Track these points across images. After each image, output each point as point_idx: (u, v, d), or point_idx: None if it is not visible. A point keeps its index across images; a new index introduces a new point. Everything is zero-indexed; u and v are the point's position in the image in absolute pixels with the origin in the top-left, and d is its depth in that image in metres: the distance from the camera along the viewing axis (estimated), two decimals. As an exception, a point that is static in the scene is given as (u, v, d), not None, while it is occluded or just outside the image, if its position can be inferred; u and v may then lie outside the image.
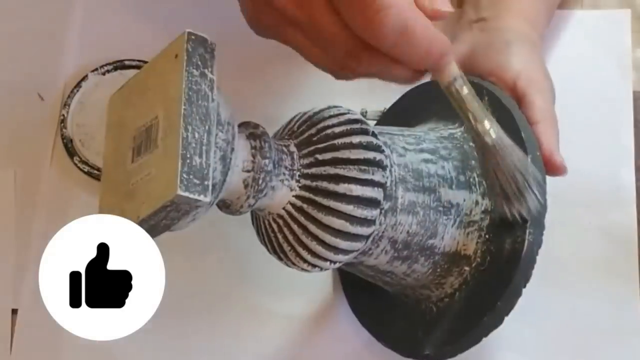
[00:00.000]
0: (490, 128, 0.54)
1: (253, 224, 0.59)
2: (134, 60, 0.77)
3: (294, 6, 0.51)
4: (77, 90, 0.76)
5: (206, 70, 0.52)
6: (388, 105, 0.70)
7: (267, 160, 0.54)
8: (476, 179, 0.61)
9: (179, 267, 0.72)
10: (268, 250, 0.59)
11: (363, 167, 0.55)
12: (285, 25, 0.52)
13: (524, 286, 0.58)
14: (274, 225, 0.57)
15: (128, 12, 0.79)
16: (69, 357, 0.71)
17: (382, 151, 0.57)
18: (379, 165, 0.56)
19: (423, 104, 0.66)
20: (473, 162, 0.61)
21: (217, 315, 0.71)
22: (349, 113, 0.57)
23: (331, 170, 0.55)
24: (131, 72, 0.76)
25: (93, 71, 0.77)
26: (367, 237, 0.57)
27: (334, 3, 0.50)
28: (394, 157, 0.58)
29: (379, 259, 0.59)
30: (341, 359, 0.69)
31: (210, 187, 0.50)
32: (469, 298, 0.60)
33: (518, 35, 0.65)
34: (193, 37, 0.52)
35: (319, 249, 0.56)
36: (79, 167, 0.74)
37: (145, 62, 0.76)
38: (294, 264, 0.58)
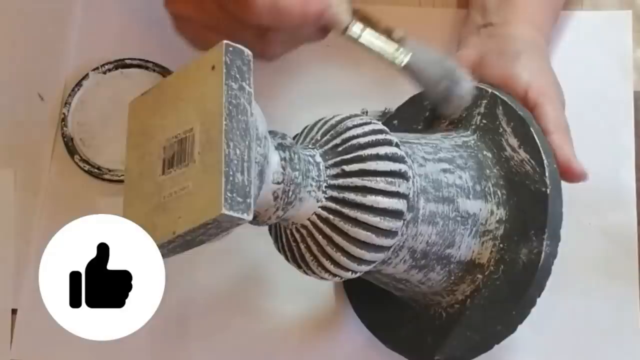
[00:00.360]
0: (398, 54, 0.56)
1: (271, 232, 0.59)
2: (134, 59, 0.77)
3: (193, 11, 0.57)
4: (78, 89, 0.76)
5: (244, 83, 0.51)
6: (388, 106, 0.70)
7: (297, 173, 0.54)
8: (491, 188, 0.61)
9: (181, 267, 0.72)
10: (287, 258, 0.58)
11: (390, 180, 0.55)
12: (201, 30, 0.58)
13: (539, 296, 0.59)
14: (297, 235, 0.57)
15: (128, 11, 0.79)
16: (69, 357, 0.71)
17: (405, 162, 0.56)
18: (403, 177, 0.56)
19: (432, 109, 0.66)
20: (487, 171, 0.61)
21: (218, 316, 0.71)
22: (372, 123, 0.57)
23: (358, 182, 0.55)
24: (132, 71, 0.77)
25: (94, 70, 0.77)
26: (390, 247, 0.57)
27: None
28: (415, 167, 0.58)
29: (397, 267, 0.59)
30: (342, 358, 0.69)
31: (252, 205, 0.49)
32: (481, 306, 0.61)
33: (527, 44, 0.66)
34: (231, 48, 0.51)
35: (343, 259, 0.56)
36: (79, 166, 0.74)
37: (147, 61, 0.77)
38: (314, 273, 0.57)
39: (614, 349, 0.66)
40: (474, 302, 0.61)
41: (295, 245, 0.57)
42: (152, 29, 0.77)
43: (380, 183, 0.55)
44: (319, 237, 0.56)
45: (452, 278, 0.61)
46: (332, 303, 0.70)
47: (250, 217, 0.49)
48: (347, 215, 0.55)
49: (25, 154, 0.76)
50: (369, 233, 0.55)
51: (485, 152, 0.62)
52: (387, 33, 0.59)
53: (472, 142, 0.63)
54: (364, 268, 0.57)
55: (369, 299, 0.68)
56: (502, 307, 0.59)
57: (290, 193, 0.54)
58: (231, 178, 0.49)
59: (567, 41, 0.74)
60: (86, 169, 0.74)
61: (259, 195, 0.52)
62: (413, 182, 0.57)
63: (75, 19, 0.78)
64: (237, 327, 0.70)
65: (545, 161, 0.59)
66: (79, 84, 0.76)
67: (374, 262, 0.57)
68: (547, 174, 0.59)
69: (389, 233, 0.55)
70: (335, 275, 0.57)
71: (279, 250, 0.58)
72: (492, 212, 0.60)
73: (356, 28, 0.55)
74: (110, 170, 0.74)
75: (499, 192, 0.61)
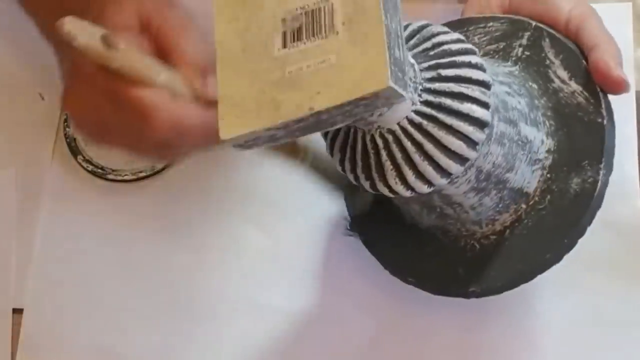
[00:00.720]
0: (303, 157, 0.56)
1: (331, 139, 0.56)
2: (135, 58, 0.77)
3: (91, 113, 0.56)
4: (80, 89, 0.76)
5: None
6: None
7: (406, 67, 0.50)
8: (541, 118, 0.60)
9: (180, 265, 0.72)
10: (352, 168, 0.55)
11: (483, 89, 0.54)
12: (99, 130, 0.57)
13: (589, 225, 0.59)
14: (379, 141, 0.53)
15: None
16: (73, 356, 0.71)
17: (485, 70, 0.55)
18: (489, 88, 0.54)
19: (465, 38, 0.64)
20: (536, 101, 0.61)
21: (219, 312, 0.71)
22: (453, 32, 0.56)
23: (455, 87, 0.53)
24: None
25: (96, 70, 0.77)
26: (468, 162, 0.54)
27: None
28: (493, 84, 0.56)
29: (459, 188, 0.57)
30: (345, 355, 0.69)
31: (408, 84, 0.47)
32: (524, 236, 0.60)
33: None
34: None
35: (428, 169, 0.53)
36: (82, 166, 0.74)
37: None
38: (386, 185, 0.54)
39: (619, 342, 0.66)
40: (514, 233, 0.60)
41: (375, 152, 0.54)
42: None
43: (476, 91, 0.53)
44: (408, 144, 0.53)
45: (500, 206, 0.60)
46: (335, 296, 0.70)
47: (408, 95, 0.47)
48: (442, 121, 0.52)
49: (26, 154, 0.76)
50: (461, 142, 0.53)
51: (530, 83, 0.61)
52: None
53: (517, 72, 0.62)
54: (443, 182, 0.54)
55: (382, 235, 0.65)
56: (551, 235, 0.58)
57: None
58: (392, 51, 0.46)
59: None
60: (89, 169, 0.74)
61: None
62: (491, 96, 0.55)
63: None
64: (239, 323, 0.70)
65: (600, 93, 0.59)
66: (80, 84, 0.76)
67: (454, 176, 0.54)
68: (603, 105, 0.59)
69: (475, 145, 0.54)
70: (411, 188, 0.54)
71: (343, 160, 0.55)
72: (542, 142, 0.59)
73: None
74: (113, 170, 0.74)
75: (547, 123, 0.60)
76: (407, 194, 0.54)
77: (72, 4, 0.57)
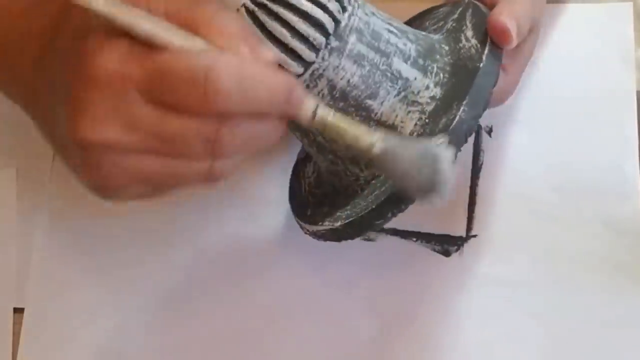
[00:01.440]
0: (374, 139, 0.52)
1: None
2: (136, 58, 0.77)
3: (122, 134, 0.46)
4: (82, 89, 0.76)
5: None
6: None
7: None
8: (435, 69, 0.62)
9: (181, 264, 0.72)
10: None
11: None
12: (136, 159, 0.47)
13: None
14: None
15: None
16: (75, 355, 0.71)
17: None
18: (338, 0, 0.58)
19: (419, 26, 0.68)
20: (437, 56, 0.62)
21: (220, 312, 0.71)
22: None
23: None
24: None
25: (96, 69, 0.76)
26: (307, 63, 0.57)
27: (158, 104, 0.46)
28: (359, 11, 0.59)
29: None
30: (345, 354, 0.69)
31: None
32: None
33: None
34: None
35: None
36: (82, 166, 0.74)
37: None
38: None
39: (620, 343, 0.66)
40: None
41: None
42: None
43: None
44: None
45: None
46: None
47: None
48: (269, 8, 0.56)
49: (27, 154, 0.76)
50: (283, 30, 0.56)
51: (443, 45, 0.64)
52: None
53: (436, 38, 0.65)
54: None
55: (303, 195, 0.69)
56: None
57: None
58: None
59: (568, 35, 0.74)
60: (90, 168, 0.74)
61: None
62: (350, 16, 0.58)
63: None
64: (242, 322, 0.70)
65: (488, 42, 0.61)
66: (82, 84, 0.76)
67: (286, 71, 0.57)
68: (485, 52, 0.60)
69: (305, 41, 0.57)
70: None
71: None
72: (427, 87, 0.61)
73: (324, 110, 0.51)
74: (113, 170, 0.74)
75: (441, 75, 0.62)
76: None
77: None
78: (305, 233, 0.66)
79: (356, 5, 0.59)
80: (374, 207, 0.60)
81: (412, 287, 0.69)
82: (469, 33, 0.63)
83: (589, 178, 0.69)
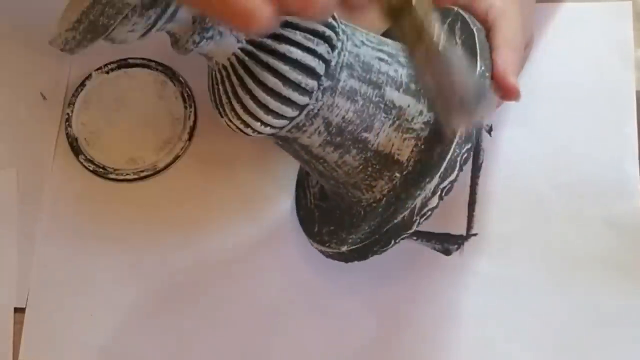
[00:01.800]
0: (440, 35, 0.51)
1: (208, 81, 0.61)
2: (137, 58, 0.77)
3: None
4: (82, 89, 0.77)
5: None
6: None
7: None
8: None
9: (182, 263, 0.72)
10: (213, 105, 0.60)
11: (309, 36, 0.57)
12: None
13: (440, 196, 0.59)
14: (218, 76, 0.59)
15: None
16: (77, 355, 0.71)
17: (335, 32, 0.58)
18: (326, 40, 0.57)
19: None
20: None
21: (221, 311, 0.71)
22: None
23: (278, 30, 0.57)
24: (135, 71, 0.77)
25: (97, 70, 0.77)
26: (301, 107, 0.58)
27: None
28: (348, 44, 0.59)
29: (312, 139, 0.60)
30: (346, 353, 0.69)
31: None
32: (392, 204, 0.61)
33: None
34: None
35: (250, 104, 0.57)
36: (84, 166, 0.75)
37: (149, 60, 0.77)
38: (229, 119, 0.59)
39: (620, 342, 0.66)
40: (388, 201, 0.61)
41: (217, 87, 0.59)
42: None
43: (297, 35, 0.57)
44: (234, 79, 0.57)
45: (370, 169, 0.61)
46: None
47: (136, 1, 0.51)
48: (260, 58, 0.57)
49: (27, 154, 0.76)
50: (276, 80, 0.56)
51: None
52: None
53: None
54: (272, 121, 0.58)
55: (309, 207, 0.70)
56: (405, 201, 0.59)
57: (208, 20, 0.55)
58: None
59: (567, 33, 0.74)
60: (91, 168, 0.74)
61: (170, 8, 0.53)
62: (339, 53, 0.58)
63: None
64: (243, 321, 0.70)
65: (478, 69, 0.60)
66: (82, 85, 0.77)
67: (282, 116, 0.58)
68: (474, 80, 0.59)
69: (298, 87, 0.57)
70: (246, 124, 0.59)
71: (209, 97, 0.60)
72: (421, 112, 0.61)
73: None
74: (115, 170, 0.74)
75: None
76: (248, 130, 0.59)
77: None
78: (314, 246, 0.67)
79: (345, 38, 0.59)
80: (377, 236, 0.60)
81: (412, 285, 0.69)
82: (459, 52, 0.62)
83: (589, 176, 0.69)
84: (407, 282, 0.69)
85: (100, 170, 0.74)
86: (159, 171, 0.74)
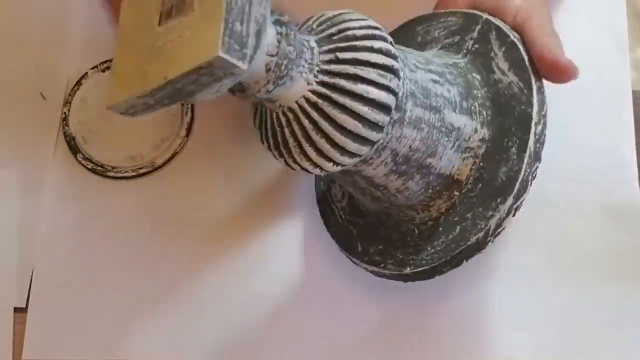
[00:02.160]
0: None
1: (255, 118, 0.59)
2: (134, 57, 0.78)
3: None
4: (79, 88, 0.77)
5: None
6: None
7: (291, 48, 0.54)
8: (477, 108, 0.61)
9: (181, 261, 0.72)
10: (269, 147, 0.58)
11: (382, 73, 0.56)
12: None
13: (513, 215, 0.59)
14: (283, 119, 0.57)
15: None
16: (76, 355, 0.71)
17: (398, 61, 0.57)
18: (395, 74, 0.56)
19: (427, 33, 0.67)
20: (475, 91, 0.62)
21: (222, 308, 0.71)
22: (369, 20, 0.58)
23: (351, 70, 0.55)
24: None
25: (93, 69, 0.77)
26: (374, 143, 0.57)
27: None
28: (407, 71, 0.58)
29: (378, 170, 0.59)
30: (347, 346, 0.69)
31: (248, 56, 0.50)
32: (457, 222, 0.61)
33: None
34: None
35: (326, 147, 0.56)
36: (82, 165, 0.75)
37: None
38: (296, 161, 0.57)
39: (621, 327, 0.66)
40: (448, 220, 0.61)
41: (280, 130, 0.57)
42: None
43: (372, 74, 0.55)
44: (306, 122, 0.56)
45: (430, 192, 0.61)
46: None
47: (246, 67, 0.50)
48: (336, 101, 0.55)
49: (28, 154, 0.76)
50: (356, 122, 0.55)
51: (474, 74, 0.63)
52: None
53: (463, 64, 0.64)
54: (346, 160, 0.57)
55: (341, 223, 0.68)
56: (475, 222, 0.60)
57: (283, 68, 0.54)
58: (230, 25, 0.49)
59: (562, 21, 0.73)
60: (90, 167, 0.74)
61: (254, 57, 0.52)
62: (404, 83, 0.57)
63: (78, 18, 0.79)
64: (244, 316, 0.70)
65: (534, 84, 0.60)
66: (79, 83, 0.77)
67: (357, 155, 0.57)
68: (534, 96, 0.60)
69: (375, 126, 0.56)
70: (316, 165, 0.57)
71: (262, 140, 0.59)
72: (476, 130, 0.61)
73: None
74: (114, 168, 0.74)
75: (484, 113, 0.61)
76: (316, 171, 0.58)
77: None
78: (361, 266, 0.66)
79: (403, 65, 0.58)
80: (448, 258, 0.60)
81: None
82: (504, 65, 0.62)
83: (587, 164, 0.69)
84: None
85: (99, 168, 0.74)
86: (157, 168, 0.74)
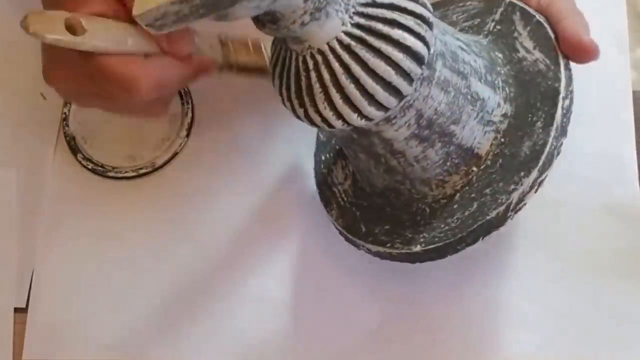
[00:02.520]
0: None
1: (275, 66, 0.57)
2: (134, 56, 0.78)
3: (73, 86, 0.60)
4: (78, 88, 0.77)
5: None
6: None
7: None
8: (500, 83, 0.60)
9: (182, 260, 0.72)
10: (289, 96, 0.56)
11: (419, 22, 0.54)
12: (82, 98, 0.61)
13: (536, 191, 0.58)
14: (310, 62, 0.54)
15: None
16: (77, 355, 0.71)
17: (431, 13, 0.55)
18: (430, 26, 0.55)
19: (444, 16, 0.66)
20: (498, 68, 0.61)
21: (222, 307, 0.71)
22: None
23: (388, 14, 0.53)
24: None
25: (94, 68, 0.77)
26: (402, 97, 0.54)
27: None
28: (436, 32, 0.56)
29: (399, 132, 0.57)
30: (347, 344, 0.69)
31: None
32: (473, 198, 0.59)
33: None
34: None
35: (354, 93, 0.53)
36: (82, 165, 0.75)
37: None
38: (317, 110, 0.55)
39: (621, 324, 0.66)
40: (464, 196, 0.59)
41: (306, 75, 0.54)
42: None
43: (410, 21, 0.53)
44: (335, 65, 0.53)
45: (448, 164, 0.59)
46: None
47: None
48: (370, 44, 0.53)
49: (28, 154, 0.76)
50: (389, 68, 0.53)
51: (497, 53, 0.62)
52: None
53: (485, 42, 0.63)
54: (372, 112, 0.54)
55: (343, 205, 0.67)
56: (495, 197, 0.58)
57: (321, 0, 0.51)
58: None
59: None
60: (90, 167, 0.74)
61: None
62: (435, 40, 0.55)
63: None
64: (244, 316, 0.70)
65: (561, 60, 0.59)
66: (79, 83, 0.77)
67: (384, 107, 0.54)
68: (562, 70, 0.59)
69: (406, 76, 0.54)
70: (339, 116, 0.54)
71: (280, 86, 0.56)
72: (499, 105, 0.59)
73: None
74: (114, 168, 0.74)
75: (507, 89, 0.60)
76: (338, 123, 0.55)
77: None
78: (362, 250, 0.65)
79: (433, 25, 0.56)
80: (463, 234, 0.58)
81: (413, 278, 0.69)
82: (528, 43, 0.61)
83: (586, 163, 0.69)
84: (409, 276, 0.69)
85: (99, 168, 0.74)
86: (157, 168, 0.74)
